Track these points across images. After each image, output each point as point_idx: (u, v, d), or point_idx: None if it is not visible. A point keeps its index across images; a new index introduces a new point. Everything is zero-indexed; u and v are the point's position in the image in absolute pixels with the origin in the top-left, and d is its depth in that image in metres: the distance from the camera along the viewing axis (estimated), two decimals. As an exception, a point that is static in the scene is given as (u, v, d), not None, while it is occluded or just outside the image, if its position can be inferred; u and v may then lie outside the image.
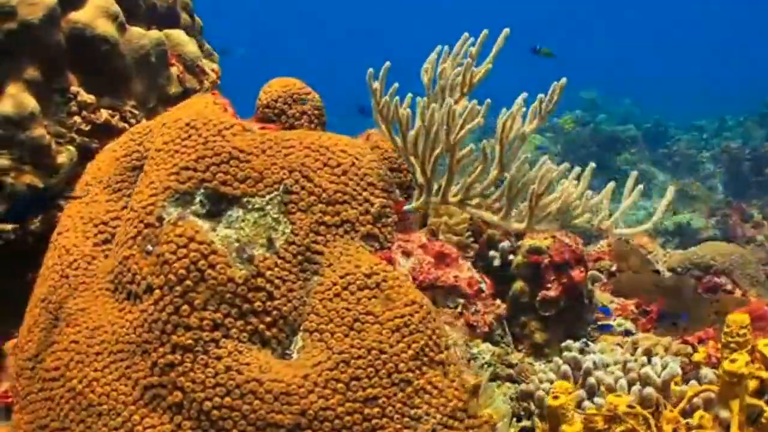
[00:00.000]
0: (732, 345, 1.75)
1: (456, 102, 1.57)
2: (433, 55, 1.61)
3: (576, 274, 2.30)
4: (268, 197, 1.49)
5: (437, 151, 1.54)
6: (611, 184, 1.54)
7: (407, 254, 1.89)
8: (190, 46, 1.99)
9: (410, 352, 1.44)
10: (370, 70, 1.60)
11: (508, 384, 2.31)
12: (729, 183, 7.77)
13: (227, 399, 1.34)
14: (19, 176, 1.66)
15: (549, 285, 2.32)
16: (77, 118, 1.74)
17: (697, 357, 1.99)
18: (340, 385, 1.38)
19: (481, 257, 2.45)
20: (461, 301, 2.34)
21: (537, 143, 8.87)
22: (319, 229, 1.50)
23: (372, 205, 1.56)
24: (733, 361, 1.70)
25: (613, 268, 2.61)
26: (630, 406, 1.63)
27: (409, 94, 1.60)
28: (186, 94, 1.98)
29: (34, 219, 1.66)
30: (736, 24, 28.24)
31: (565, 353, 2.16)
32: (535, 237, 2.36)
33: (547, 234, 2.37)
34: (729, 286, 2.54)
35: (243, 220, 1.47)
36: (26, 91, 1.65)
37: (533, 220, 1.48)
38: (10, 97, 1.63)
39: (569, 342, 2.24)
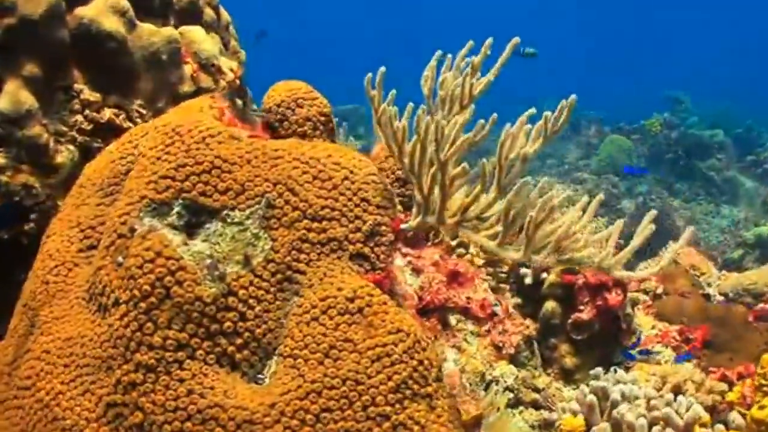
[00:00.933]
0: (765, 388, 1.59)
1: (455, 115, 1.45)
2: (432, 62, 1.49)
3: (612, 297, 2.15)
4: (248, 211, 1.40)
5: (434, 167, 1.42)
6: (620, 221, 1.40)
7: (417, 271, 1.79)
8: (205, 44, 1.92)
9: (390, 384, 1.34)
10: (368, 75, 1.49)
11: (531, 410, 2.19)
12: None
13: (188, 424, 1.27)
14: (14, 175, 1.63)
15: (582, 307, 2.18)
16: (79, 117, 1.69)
17: (731, 396, 1.83)
18: (309, 416, 1.29)
19: (514, 274, 2.33)
20: (470, 326, 2.23)
21: (625, 146, 8.58)
22: (302, 247, 1.41)
23: (364, 222, 1.46)
24: (762, 407, 1.54)
25: (659, 290, 2.44)
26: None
27: (410, 104, 1.49)
28: (199, 93, 1.91)
29: (23, 224, 1.62)
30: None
31: (593, 382, 2.02)
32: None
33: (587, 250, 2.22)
34: (785, 318, 2.34)
35: (220, 235, 1.39)
36: (24, 88, 1.62)
37: (530, 250, 1.35)
38: (7, 93, 1.60)
39: (598, 370, 2.11)
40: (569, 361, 2.21)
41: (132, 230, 1.36)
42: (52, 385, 1.37)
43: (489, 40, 1.46)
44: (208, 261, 1.35)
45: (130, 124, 1.75)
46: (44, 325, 1.44)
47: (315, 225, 1.42)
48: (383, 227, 1.48)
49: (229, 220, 1.40)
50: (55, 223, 1.57)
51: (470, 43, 1.48)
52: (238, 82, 2.01)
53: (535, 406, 2.16)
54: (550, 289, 2.21)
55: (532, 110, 1.42)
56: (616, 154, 8.42)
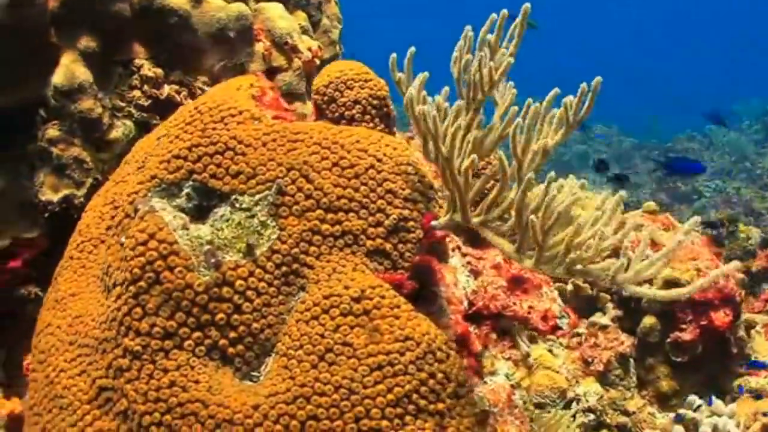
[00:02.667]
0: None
1: (478, 105, 1.28)
2: (461, 41, 1.32)
3: (718, 316, 1.89)
4: (257, 197, 1.31)
5: (467, 162, 1.26)
6: (651, 228, 1.17)
7: (476, 273, 1.63)
8: (281, 21, 1.85)
9: (390, 396, 1.21)
10: (393, 56, 1.35)
11: (616, 434, 1.96)
12: None
13: (167, 417, 1.20)
14: (67, 148, 1.63)
15: (683, 326, 1.92)
16: (137, 92, 1.67)
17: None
18: (294, 423, 1.19)
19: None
20: (583, 331, 2.03)
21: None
22: (313, 239, 1.30)
23: (387, 216, 1.33)
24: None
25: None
26: None
27: (446, 88, 1.34)
28: (270, 72, 1.85)
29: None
30: None
31: (683, 411, 1.79)
32: (676, 266, 1.97)
33: (692, 264, 1.97)
34: None
35: (227, 220, 1.31)
36: (79, 62, 1.61)
37: (541, 259, 1.16)
38: (62, 67, 1.60)
39: (693, 398, 1.86)
40: (666, 385, 1.96)
41: (136, 210, 1.31)
42: (57, 362, 1.36)
43: (503, 13, 1.27)
44: (206, 247, 1.27)
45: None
46: (62, 301, 1.42)
47: (329, 216, 1.31)
48: (411, 223, 1.34)
49: (237, 206, 1.31)
50: (94, 199, 1.55)
51: (493, 16, 1.29)
52: (317, 62, 1.92)
53: (623, 430, 1.94)
54: (649, 303, 1.97)
55: (557, 90, 1.22)
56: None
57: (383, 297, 1.27)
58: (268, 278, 1.28)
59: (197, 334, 1.25)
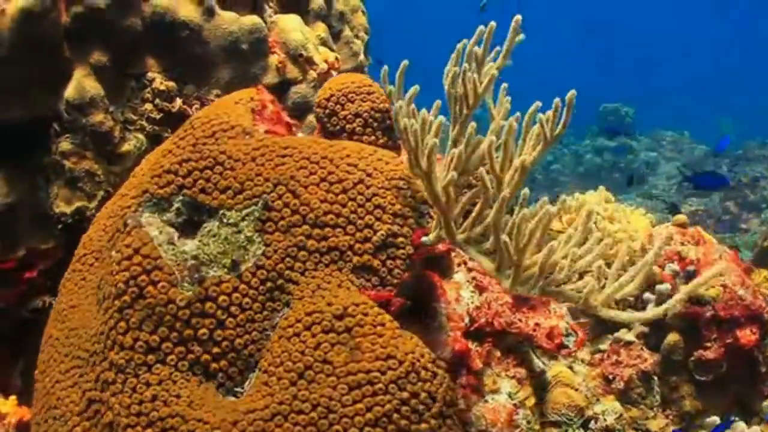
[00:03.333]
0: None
1: (465, 118, 1.24)
2: (453, 55, 1.29)
3: (744, 335, 1.81)
4: (244, 212, 1.31)
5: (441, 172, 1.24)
6: (623, 247, 1.12)
7: (481, 289, 1.60)
8: (294, 33, 1.85)
9: (369, 416, 1.19)
10: (385, 68, 1.33)
11: (636, 454, 1.90)
12: None
13: (148, 430, 1.21)
14: (79, 161, 1.66)
15: (708, 344, 1.85)
16: (148, 105, 1.69)
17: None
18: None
19: (641, 299, 2.03)
20: (606, 348, 1.98)
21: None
22: (298, 255, 1.29)
23: (375, 232, 1.31)
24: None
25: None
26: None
27: (437, 102, 1.31)
28: (284, 85, 1.85)
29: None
30: None
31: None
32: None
33: (719, 280, 1.89)
34: None
35: (214, 235, 1.31)
36: (90, 76, 1.64)
37: (517, 279, 1.13)
38: (74, 81, 1.64)
39: (713, 419, 1.79)
40: (689, 404, 1.88)
41: (125, 224, 1.33)
42: (54, 373, 1.38)
43: (491, 25, 1.24)
44: (190, 263, 1.27)
45: (201, 115, 1.72)
46: (62, 312, 1.45)
47: (315, 231, 1.30)
48: (400, 239, 1.32)
49: (224, 221, 1.32)
50: (101, 212, 1.58)
51: (481, 28, 1.26)
52: (334, 74, 1.92)
53: (642, 451, 1.88)
54: (674, 320, 1.90)
55: (538, 104, 1.18)
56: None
57: (366, 314, 1.25)
58: (253, 294, 1.28)
59: (180, 348, 1.25)
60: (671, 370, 1.91)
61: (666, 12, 27.26)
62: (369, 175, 1.34)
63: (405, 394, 1.21)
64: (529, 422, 1.57)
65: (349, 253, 1.30)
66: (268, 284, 1.28)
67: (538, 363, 1.69)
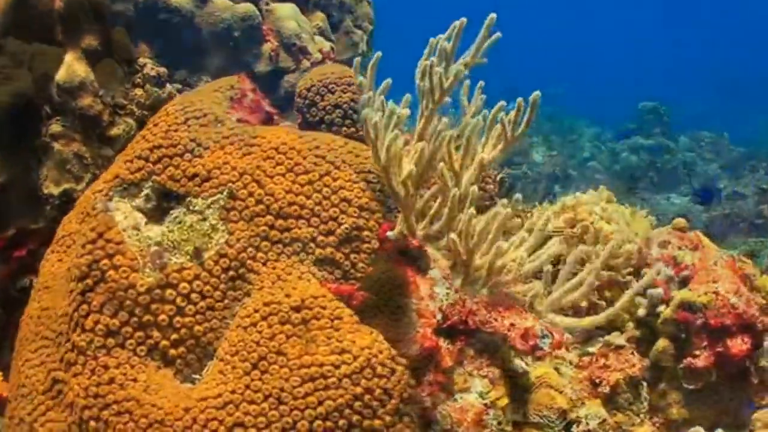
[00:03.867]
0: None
1: (429, 110, 1.23)
2: (427, 50, 1.27)
3: (735, 344, 1.77)
4: (210, 200, 1.32)
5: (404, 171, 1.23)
6: (577, 251, 1.09)
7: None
8: (290, 23, 1.85)
9: (320, 410, 1.19)
10: (357, 59, 1.32)
11: (618, 463, 1.87)
12: None
13: (104, 412, 1.23)
14: (68, 143, 1.69)
15: (698, 352, 1.81)
16: (138, 91, 1.71)
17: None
18: (221, 428, 1.19)
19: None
20: (594, 351, 1.96)
21: None
22: (261, 245, 1.30)
23: (339, 225, 1.31)
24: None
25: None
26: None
27: (407, 95, 1.30)
28: (278, 73, 1.85)
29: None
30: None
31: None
32: (694, 287, 1.86)
33: (712, 287, 1.85)
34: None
35: (180, 222, 1.32)
36: (81, 60, 1.67)
37: (468, 280, 1.11)
38: (65, 64, 1.66)
39: (697, 428, 1.75)
40: (676, 412, 1.84)
41: (93, 208, 1.34)
42: (24, 351, 1.41)
43: (462, 21, 1.22)
44: (153, 249, 1.28)
45: (190, 102, 1.74)
46: (38, 293, 1.47)
47: (279, 222, 1.30)
48: (365, 232, 1.32)
49: (191, 208, 1.33)
50: (83, 195, 1.60)
51: (453, 24, 1.24)
52: (328, 63, 1.91)
53: (625, 457, 1.85)
54: (664, 326, 1.86)
55: (502, 103, 1.17)
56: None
57: (324, 308, 1.25)
58: (214, 282, 1.28)
59: (139, 333, 1.27)
60: (660, 377, 1.87)
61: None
62: (337, 167, 1.34)
63: (358, 390, 1.21)
64: (500, 423, 1.56)
65: (312, 245, 1.30)
66: (230, 273, 1.29)
67: (521, 364, 1.67)
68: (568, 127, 9.02)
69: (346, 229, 1.31)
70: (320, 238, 1.30)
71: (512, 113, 1.16)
